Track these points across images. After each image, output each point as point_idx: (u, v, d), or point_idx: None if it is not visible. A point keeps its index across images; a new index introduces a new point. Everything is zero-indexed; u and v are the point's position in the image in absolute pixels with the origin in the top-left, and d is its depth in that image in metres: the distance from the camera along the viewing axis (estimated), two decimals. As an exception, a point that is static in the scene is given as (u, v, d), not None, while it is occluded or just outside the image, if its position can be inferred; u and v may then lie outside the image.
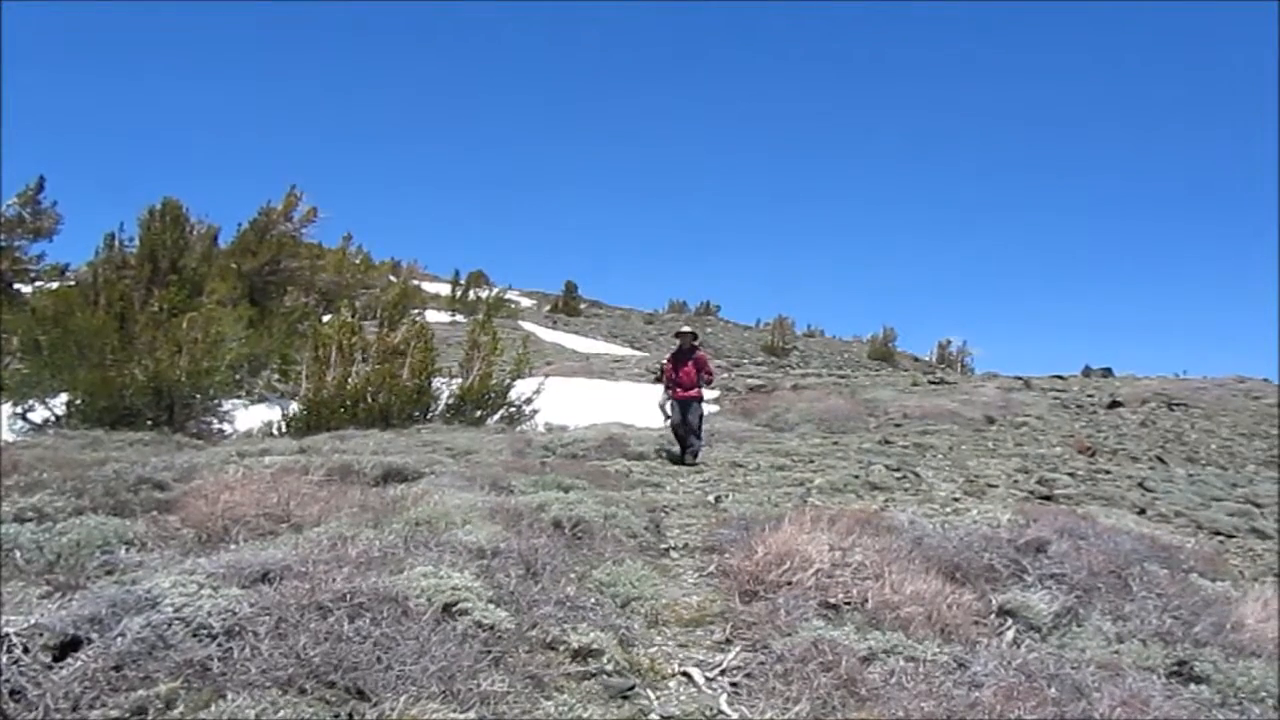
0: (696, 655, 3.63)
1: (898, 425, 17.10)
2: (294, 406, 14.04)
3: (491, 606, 3.40)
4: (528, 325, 42.15)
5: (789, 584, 4.21)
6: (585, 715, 2.84)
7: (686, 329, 11.30)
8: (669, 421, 10.46)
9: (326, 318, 18.49)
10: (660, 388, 11.33)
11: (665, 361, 11.20)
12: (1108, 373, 33.46)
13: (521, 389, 15.86)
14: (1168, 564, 5.15)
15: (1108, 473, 11.95)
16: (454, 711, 2.64)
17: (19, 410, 13.71)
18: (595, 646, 3.32)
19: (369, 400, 13.57)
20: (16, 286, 18.83)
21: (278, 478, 5.63)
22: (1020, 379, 28.18)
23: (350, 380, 13.65)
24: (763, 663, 3.46)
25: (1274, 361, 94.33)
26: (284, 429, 13.26)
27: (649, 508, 6.47)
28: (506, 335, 20.99)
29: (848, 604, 4.02)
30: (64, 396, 13.46)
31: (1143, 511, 8.89)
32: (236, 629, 2.86)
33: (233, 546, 4.25)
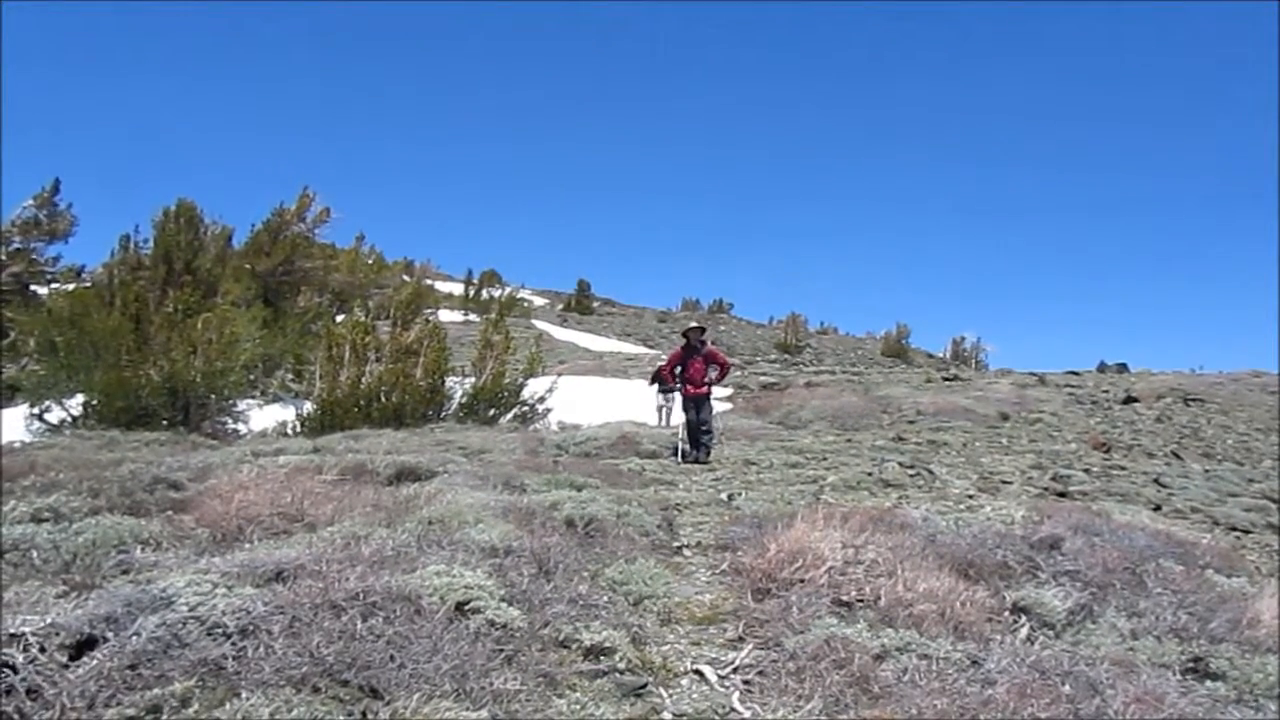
0: (709, 653, 3.63)
1: (911, 422, 17.04)
2: (308, 406, 14.14)
3: (504, 605, 3.40)
4: (541, 324, 42.25)
5: (802, 582, 4.20)
6: (597, 713, 2.84)
7: (695, 324, 11.36)
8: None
9: (340, 318, 18.59)
10: (654, 388, 11.33)
11: (666, 361, 11.21)
12: (1123, 368, 33.28)
13: (534, 388, 15.91)
14: (1183, 560, 5.11)
15: (1123, 469, 11.87)
16: (466, 710, 2.65)
17: (36, 411, 13.85)
18: (607, 645, 3.31)
19: (382, 400, 13.65)
20: (33, 288, 19.03)
21: (292, 477, 5.66)
22: (1035, 375, 28.08)
23: (364, 380, 13.73)
24: (775, 660, 3.45)
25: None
26: (298, 429, 13.35)
27: (662, 506, 6.46)
28: (519, 334, 21.05)
29: (860, 601, 4.01)
30: (80, 397, 13.60)
31: (1158, 507, 8.81)
32: (251, 628, 2.88)
33: (247, 546, 4.27)
